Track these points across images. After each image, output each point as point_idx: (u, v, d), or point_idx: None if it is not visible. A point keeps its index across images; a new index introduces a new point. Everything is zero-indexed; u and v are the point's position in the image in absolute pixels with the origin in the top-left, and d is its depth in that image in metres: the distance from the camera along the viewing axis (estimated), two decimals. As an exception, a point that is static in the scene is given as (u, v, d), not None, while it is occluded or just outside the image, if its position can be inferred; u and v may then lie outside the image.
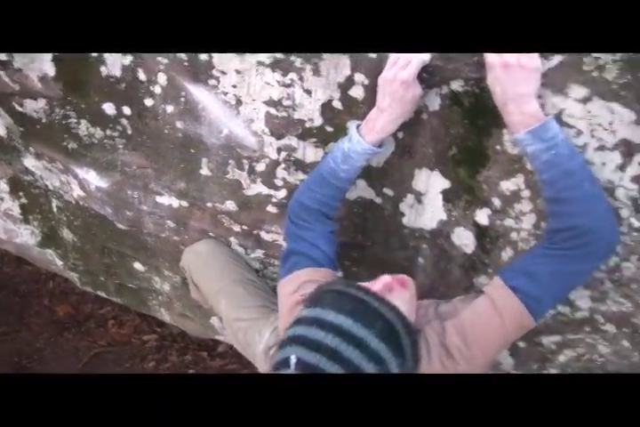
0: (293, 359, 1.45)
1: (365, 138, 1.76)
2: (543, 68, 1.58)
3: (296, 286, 1.83)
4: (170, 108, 2.24)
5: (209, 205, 2.37)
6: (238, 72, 2.03)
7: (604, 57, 1.54)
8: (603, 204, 1.58)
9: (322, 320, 1.50)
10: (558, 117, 1.62)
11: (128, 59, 2.21)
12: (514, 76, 1.55)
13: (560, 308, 1.91)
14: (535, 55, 1.56)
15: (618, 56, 1.53)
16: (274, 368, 1.50)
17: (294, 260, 1.90)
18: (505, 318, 1.62)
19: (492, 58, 1.57)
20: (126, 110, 2.34)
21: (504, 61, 1.55)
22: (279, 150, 2.10)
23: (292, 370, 1.43)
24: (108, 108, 2.36)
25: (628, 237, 1.71)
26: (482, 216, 1.87)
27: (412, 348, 1.55)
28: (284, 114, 2.02)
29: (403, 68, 1.67)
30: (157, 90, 2.23)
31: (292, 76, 1.94)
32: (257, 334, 2.14)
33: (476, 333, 1.64)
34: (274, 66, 1.96)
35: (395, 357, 1.50)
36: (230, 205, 2.31)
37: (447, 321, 1.70)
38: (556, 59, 1.59)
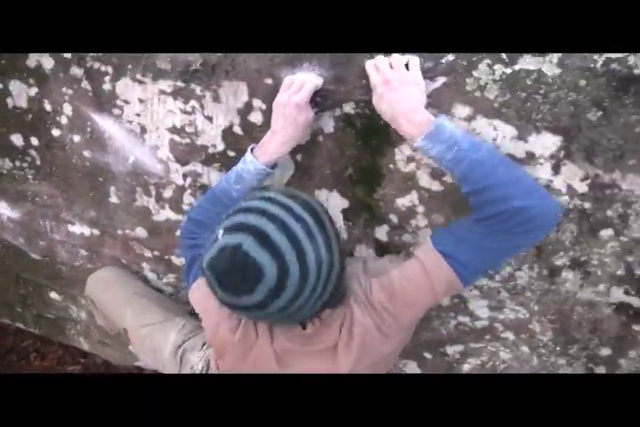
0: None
1: (259, 159, 1.76)
2: (428, 90, 1.63)
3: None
4: (77, 138, 2.22)
5: (120, 232, 2.35)
6: (141, 101, 2.03)
7: (485, 77, 1.59)
8: (525, 183, 1.53)
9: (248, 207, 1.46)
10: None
11: (33, 90, 2.19)
12: (397, 92, 1.57)
13: (460, 318, 1.95)
14: (415, 64, 1.61)
15: (497, 76, 1.58)
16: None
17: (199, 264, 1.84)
18: (433, 280, 1.60)
19: (373, 77, 1.61)
20: (34, 141, 2.32)
21: (385, 79, 1.58)
22: (185, 176, 2.10)
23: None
24: (16, 139, 2.34)
25: (519, 248, 1.76)
26: (381, 233, 1.90)
27: (332, 229, 1.51)
28: (188, 140, 2.03)
29: (296, 91, 1.69)
30: (64, 120, 2.21)
31: (193, 103, 1.95)
32: (163, 335, 2.15)
33: (405, 293, 1.62)
34: (175, 94, 1.96)
35: (320, 232, 1.45)
36: (140, 231, 2.30)
37: (374, 279, 1.67)
38: (440, 80, 1.63)
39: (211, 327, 1.78)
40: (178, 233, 2.23)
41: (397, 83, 1.58)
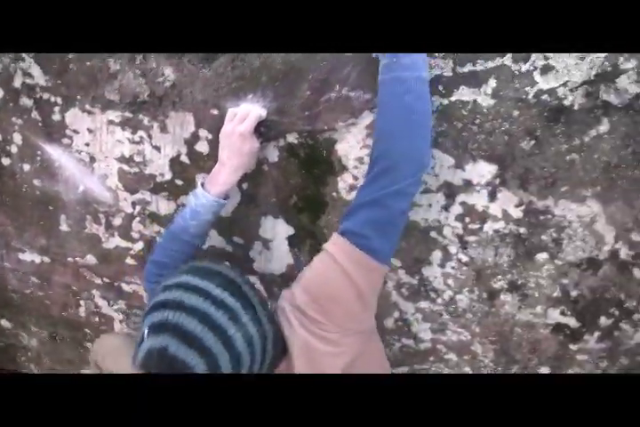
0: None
1: (210, 191, 1.76)
2: (366, 123, 1.67)
3: None
4: (27, 167, 2.22)
5: (70, 259, 2.34)
6: (90, 131, 2.04)
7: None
8: (414, 117, 1.48)
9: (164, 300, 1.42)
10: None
11: (-17, 120, 2.19)
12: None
13: (404, 340, 1.98)
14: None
15: (434, 107, 1.62)
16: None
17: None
18: (340, 262, 1.51)
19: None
20: (-16, 170, 2.30)
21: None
22: (134, 204, 2.11)
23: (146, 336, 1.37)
24: (-35, 168, 2.33)
25: (458, 272, 1.79)
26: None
27: (255, 297, 1.48)
28: (136, 169, 2.04)
29: (240, 122, 1.71)
30: (14, 149, 2.21)
31: (141, 133, 1.96)
32: None
33: (321, 286, 1.56)
34: (123, 124, 1.97)
35: (243, 308, 1.42)
36: (91, 258, 2.29)
37: (294, 284, 1.63)
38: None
39: None
40: (128, 261, 2.23)
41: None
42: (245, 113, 1.72)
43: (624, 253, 1.65)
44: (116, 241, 2.21)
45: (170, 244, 1.87)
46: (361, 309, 1.57)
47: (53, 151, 2.15)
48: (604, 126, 1.55)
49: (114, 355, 2.27)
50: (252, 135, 1.73)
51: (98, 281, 2.36)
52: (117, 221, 2.17)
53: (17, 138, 2.18)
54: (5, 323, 2.81)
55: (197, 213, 1.79)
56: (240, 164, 1.75)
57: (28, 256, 2.44)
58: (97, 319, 2.49)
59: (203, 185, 1.79)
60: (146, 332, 1.37)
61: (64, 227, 2.28)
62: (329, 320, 1.53)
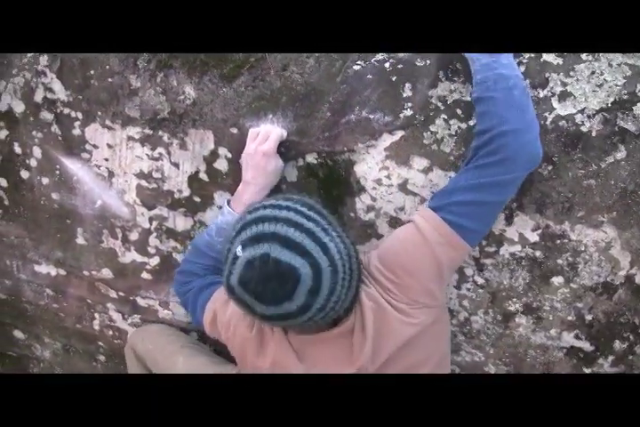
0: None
1: (236, 210, 1.79)
2: (387, 143, 1.71)
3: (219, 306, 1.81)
4: (45, 180, 2.25)
5: (86, 273, 2.37)
6: (110, 146, 2.08)
7: (441, 131, 1.66)
8: (527, 115, 1.54)
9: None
10: (404, 186, 1.73)
11: (4, 133, 2.22)
12: None
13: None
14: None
15: (453, 131, 1.65)
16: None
17: (206, 293, 1.86)
18: (428, 238, 1.55)
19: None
20: (3, 182, 2.33)
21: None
22: (151, 220, 2.14)
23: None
24: (-15, 180, 2.37)
25: (474, 294, 1.82)
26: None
27: (335, 220, 1.54)
28: (154, 185, 2.07)
29: (262, 142, 1.75)
30: (33, 163, 2.24)
31: (161, 150, 2.00)
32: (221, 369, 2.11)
33: (400, 256, 1.59)
34: (143, 141, 2.01)
35: (329, 224, 1.47)
36: (106, 272, 2.32)
37: (373, 251, 1.66)
38: (398, 134, 1.70)
39: (231, 337, 1.77)
40: (144, 275, 2.26)
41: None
42: (267, 133, 1.76)
43: (639, 278, 1.67)
44: (132, 255, 2.24)
45: (196, 258, 1.92)
46: (436, 285, 1.60)
47: (72, 165, 2.18)
48: (620, 153, 1.58)
49: (154, 336, 2.30)
50: (276, 154, 1.77)
51: (113, 295, 2.38)
52: (134, 236, 2.20)
53: (37, 151, 2.22)
54: (19, 334, 2.83)
55: (223, 229, 1.81)
56: (265, 183, 1.79)
57: (44, 268, 2.47)
58: (111, 333, 2.51)
59: (229, 203, 1.83)
60: (239, 249, 1.41)
61: (81, 240, 2.31)
62: (401, 291, 1.57)
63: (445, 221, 1.54)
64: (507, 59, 1.57)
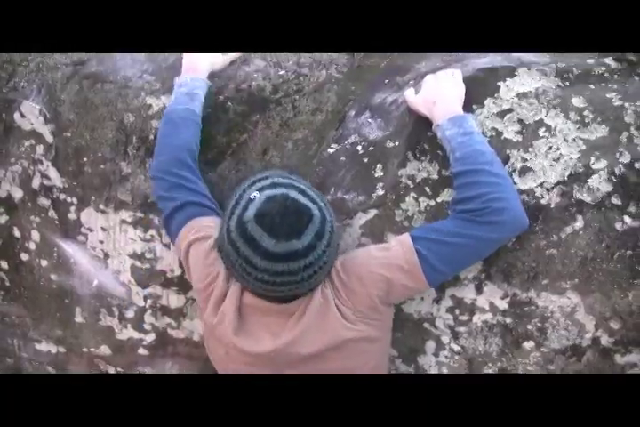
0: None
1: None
2: (361, 222, 1.83)
3: (198, 228, 1.82)
4: (44, 262, 2.35)
5: (85, 350, 2.43)
6: (104, 229, 2.18)
7: (411, 209, 1.78)
8: (510, 184, 1.65)
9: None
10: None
11: (3, 218, 2.33)
12: (443, 85, 1.78)
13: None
14: (459, 74, 1.81)
15: (422, 208, 1.77)
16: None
17: (191, 209, 1.85)
18: (393, 257, 1.64)
19: (428, 77, 1.84)
20: (3, 264, 2.43)
21: (436, 75, 1.82)
22: (145, 298, 2.23)
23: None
24: (-14, 263, 2.46)
25: (452, 360, 1.90)
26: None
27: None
28: (148, 265, 2.17)
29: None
30: (32, 246, 2.34)
31: (152, 232, 2.11)
32: None
33: (359, 261, 1.68)
34: (135, 223, 2.12)
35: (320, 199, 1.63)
36: (105, 349, 2.38)
37: (340, 256, 1.71)
38: (372, 212, 1.81)
39: (207, 277, 1.78)
40: (140, 351, 2.34)
41: (445, 80, 1.80)
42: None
43: (605, 340, 1.75)
44: (129, 333, 2.32)
45: (182, 129, 1.93)
46: (381, 302, 1.67)
47: (69, 248, 2.28)
48: (578, 223, 1.69)
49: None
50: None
51: (112, 371, 2.45)
52: (130, 314, 2.28)
53: (35, 235, 2.32)
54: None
55: (195, 94, 1.93)
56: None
57: (45, 346, 2.54)
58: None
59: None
60: (256, 192, 1.57)
61: (79, 319, 2.38)
62: (347, 296, 1.66)
63: (417, 252, 1.62)
64: (479, 136, 1.70)
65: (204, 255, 1.78)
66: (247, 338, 1.69)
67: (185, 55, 2.02)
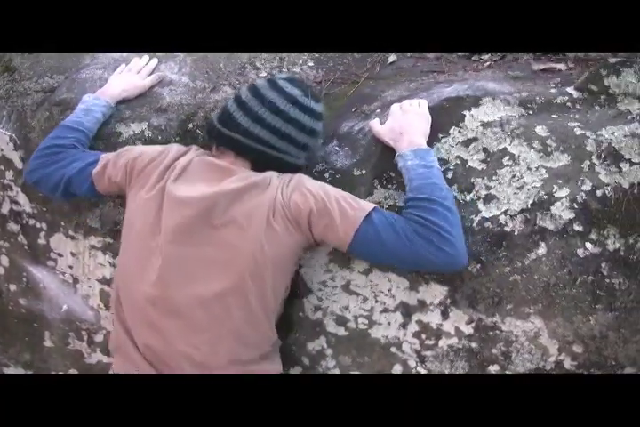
0: None
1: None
2: (328, 250, 1.82)
3: (118, 154, 1.88)
4: (13, 287, 2.33)
5: (53, 373, 2.42)
6: (73, 254, 2.17)
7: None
8: (458, 224, 1.65)
9: None
10: (347, 287, 1.85)
11: (-28, 242, 2.31)
12: (410, 118, 1.80)
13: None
14: (425, 105, 1.84)
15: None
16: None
17: (84, 155, 1.94)
18: (329, 204, 1.65)
19: (393, 107, 1.86)
20: (-30, 292, 2.41)
21: (402, 105, 1.84)
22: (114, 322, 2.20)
23: None
24: (-47, 291, 2.43)
25: (419, 384, 1.90)
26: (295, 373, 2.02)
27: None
28: (117, 290, 2.15)
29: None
30: (1, 270, 2.32)
31: (121, 257, 2.09)
32: None
33: (302, 188, 1.68)
34: (104, 249, 2.11)
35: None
36: (73, 373, 2.37)
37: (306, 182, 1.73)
38: (340, 239, 1.81)
39: (159, 155, 1.82)
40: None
41: (411, 111, 1.82)
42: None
43: (568, 363, 1.76)
44: (97, 356, 2.30)
45: (67, 133, 1.97)
46: (308, 217, 1.68)
47: (38, 273, 2.27)
48: (541, 249, 1.70)
49: None
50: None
51: (80, 394, 2.43)
52: (99, 338, 2.27)
53: (4, 260, 2.30)
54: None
55: (91, 111, 2.01)
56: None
57: (13, 370, 2.52)
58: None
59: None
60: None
61: (48, 343, 2.37)
62: (284, 213, 1.67)
63: (359, 219, 1.64)
64: (438, 171, 1.71)
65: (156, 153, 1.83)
66: (183, 185, 1.73)
67: (110, 78, 2.14)
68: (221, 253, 1.67)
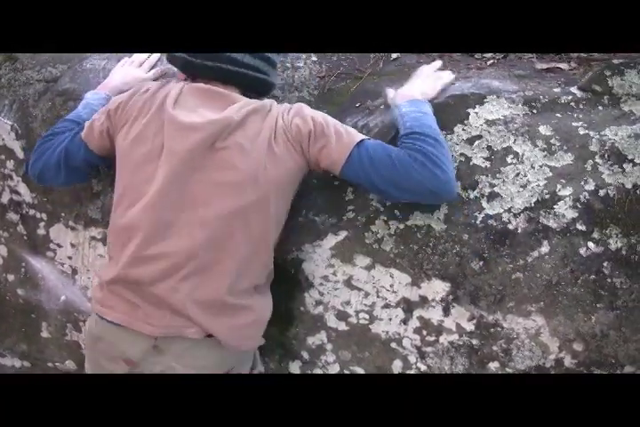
0: None
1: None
2: (331, 243, 1.81)
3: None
4: (11, 277, 2.31)
5: (50, 364, 2.40)
6: (73, 245, 2.15)
7: (381, 232, 1.77)
8: (448, 157, 1.65)
9: None
10: (348, 282, 1.83)
11: (-32, 233, 2.29)
12: (415, 80, 1.88)
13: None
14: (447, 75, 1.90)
15: (392, 231, 1.76)
16: None
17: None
18: (327, 129, 1.68)
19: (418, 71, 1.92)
20: (-31, 279, 2.38)
21: (416, 73, 1.91)
22: (112, 314, 2.18)
23: None
24: (-49, 278, 2.40)
25: (418, 380, 1.89)
26: (294, 367, 2.01)
27: None
28: (116, 282, 2.12)
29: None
30: (-1, 261, 2.30)
31: (122, 248, 2.07)
32: None
33: (303, 116, 1.71)
34: (105, 240, 2.07)
35: None
36: (70, 364, 2.35)
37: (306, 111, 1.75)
38: (342, 234, 1.80)
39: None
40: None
41: (423, 76, 1.89)
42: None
43: (568, 361, 1.75)
44: (95, 348, 2.28)
45: (61, 125, 1.97)
46: (310, 138, 1.70)
47: (37, 263, 2.24)
48: (544, 248, 1.69)
49: None
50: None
51: (76, 385, 2.41)
52: (97, 330, 2.24)
53: (3, 250, 2.28)
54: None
55: (89, 104, 2.00)
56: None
57: (9, 361, 2.50)
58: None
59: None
60: None
61: (45, 334, 2.35)
62: (284, 139, 1.70)
63: (353, 143, 1.67)
64: (433, 118, 1.73)
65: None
66: (183, 111, 1.72)
67: (112, 71, 2.15)
68: (223, 175, 1.66)
